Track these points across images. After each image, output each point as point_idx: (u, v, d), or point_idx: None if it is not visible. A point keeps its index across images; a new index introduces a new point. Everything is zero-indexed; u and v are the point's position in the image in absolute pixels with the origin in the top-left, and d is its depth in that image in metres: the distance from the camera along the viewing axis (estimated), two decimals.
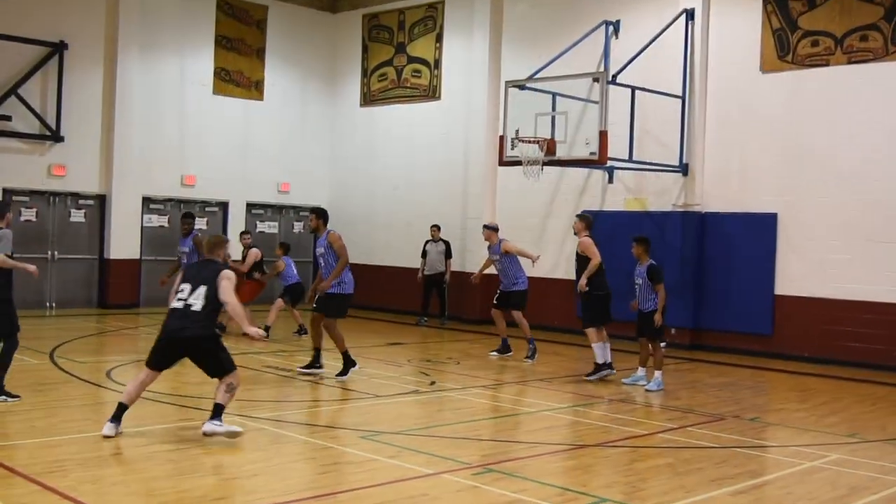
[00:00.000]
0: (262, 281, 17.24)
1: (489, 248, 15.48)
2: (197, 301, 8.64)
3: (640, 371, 12.89)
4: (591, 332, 13.08)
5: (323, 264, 12.53)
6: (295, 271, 16.97)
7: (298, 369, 12.70)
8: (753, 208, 16.66)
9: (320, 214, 12.75)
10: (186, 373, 12.61)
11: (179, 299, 8.72)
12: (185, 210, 18.81)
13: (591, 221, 13.86)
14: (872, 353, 15.15)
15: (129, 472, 7.45)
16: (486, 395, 11.99)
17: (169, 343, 8.74)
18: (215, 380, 8.83)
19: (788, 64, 16.32)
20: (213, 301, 8.69)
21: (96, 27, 20.45)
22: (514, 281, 15.00)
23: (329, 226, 12.68)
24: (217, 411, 8.61)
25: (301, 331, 16.55)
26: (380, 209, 23.10)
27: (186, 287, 8.78)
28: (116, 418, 8.57)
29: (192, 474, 7.42)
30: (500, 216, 20.16)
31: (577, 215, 13.92)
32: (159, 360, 8.78)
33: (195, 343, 8.67)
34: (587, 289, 13.20)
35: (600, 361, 13.03)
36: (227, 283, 8.75)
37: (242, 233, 18.11)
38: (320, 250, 12.57)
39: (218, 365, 8.76)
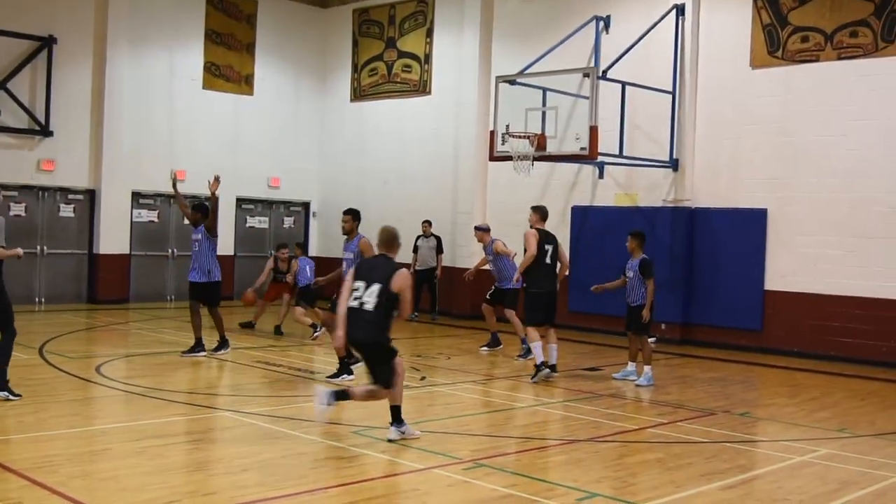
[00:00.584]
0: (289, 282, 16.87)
1: (484, 248, 15.50)
2: (370, 299, 8.41)
3: (630, 366, 12.89)
4: (529, 330, 12.62)
5: (346, 268, 11.74)
6: (309, 273, 16.30)
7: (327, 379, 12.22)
8: (743, 204, 16.69)
9: (356, 216, 12.17)
10: (177, 368, 12.60)
11: (355, 298, 8.49)
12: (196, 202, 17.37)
13: (546, 213, 13.13)
14: (862, 349, 15.19)
15: (119, 467, 7.42)
16: (476, 390, 11.99)
17: (352, 346, 8.77)
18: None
19: (778, 60, 16.35)
20: (386, 301, 8.41)
21: (85, 22, 20.37)
22: (508, 279, 14.94)
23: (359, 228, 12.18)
24: (394, 416, 8.57)
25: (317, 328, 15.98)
26: (370, 204, 22.99)
27: (361, 284, 8.54)
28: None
29: (182, 469, 7.41)
30: (491, 211, 20.18)
31: (532, 207, 13.19)
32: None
33: (368, 347, 8.63)
34: (523, 284, 12.89)
35: (538, 362, 12.38)
36: (402, 277, 8.50)
37: (280, 246, 17.52)
38: (349, 255, 11.89)
39: (384, 374, 8.52)
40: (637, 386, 12.37)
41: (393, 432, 8.52)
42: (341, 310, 8.66)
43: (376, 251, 9.00)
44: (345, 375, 11.84)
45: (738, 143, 16.83)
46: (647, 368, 12.51)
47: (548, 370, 12.44)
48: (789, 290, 16.14)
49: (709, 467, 8.11)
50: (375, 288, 8.42)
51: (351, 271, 8.89)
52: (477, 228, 15.76)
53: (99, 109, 20.49)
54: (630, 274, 12.66)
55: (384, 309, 8.40)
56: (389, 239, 8.89)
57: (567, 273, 13.17)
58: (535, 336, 12.47)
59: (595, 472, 7.91)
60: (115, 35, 20.52)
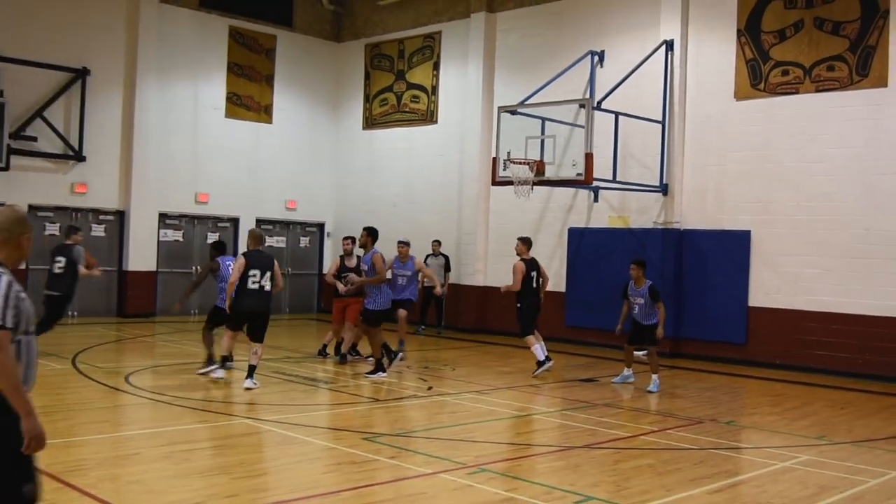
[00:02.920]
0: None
1: (403, 263, 15.62)
2: (267, 283, 11.79)
3: (627, 370, 13.39)
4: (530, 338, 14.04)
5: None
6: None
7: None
8: (728, 226, 16.68)
9: (370, 233, 13.64)
10: (200, 378, 12.56)
11: (254, 282, 11.55)
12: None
13: (530, 242, 14.29)
14: (840, 361, 15.14)
15: (145, 471, 7.42)
16: (480, 399, 11.95)
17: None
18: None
19: (761, 92, 16.37)
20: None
21: (116, 54, 20.46)
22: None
23: (373, 243, 13.49)
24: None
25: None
26: (380, 225, 22.59)
27: (258, 272, 11.60)
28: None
29: (204, 473, 7.40)
30: (492, 233, 20.18)
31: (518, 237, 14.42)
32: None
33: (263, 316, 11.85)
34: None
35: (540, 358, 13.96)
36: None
37: (346, 238, 15.74)
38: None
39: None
40: (648, 392, 12.66)
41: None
42: None
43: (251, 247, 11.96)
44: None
45: (724, 170, 16.82)
46: (655, 377, 12.90)
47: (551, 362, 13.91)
48: (772, 307, 16.10)
49: (697, 472, 8.08)
50: (268, 273, 11.67)
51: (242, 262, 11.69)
52: (400, 243, 15.90)
53: (129, 136, 20.56)
54: (640, 300, 12.92)
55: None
56: (260, 237, 12.10)
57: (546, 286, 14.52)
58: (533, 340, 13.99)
59: (591, 476, 7.88)
60: (144, 67, 20.60)
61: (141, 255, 20.79)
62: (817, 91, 15.69)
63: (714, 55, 16.99)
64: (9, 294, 4.16)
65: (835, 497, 7.49)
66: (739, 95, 16.66)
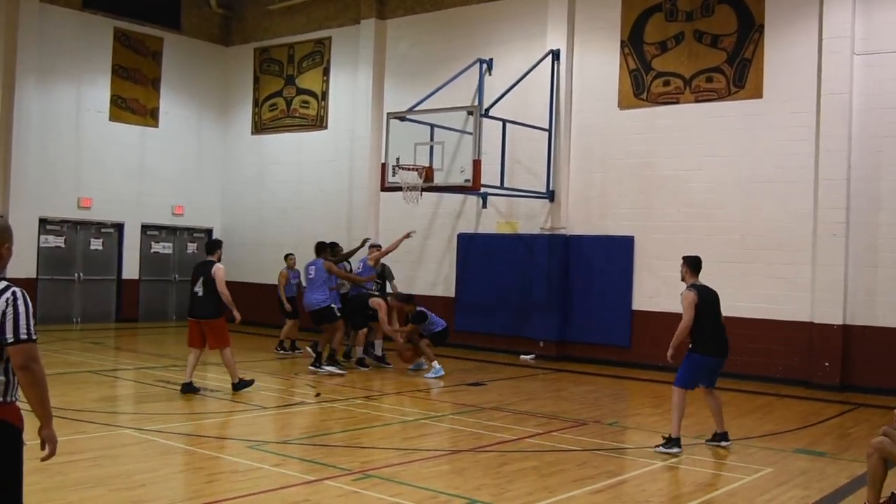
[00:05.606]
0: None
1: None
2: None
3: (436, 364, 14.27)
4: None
5: None
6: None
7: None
8: (612, 231, 17.00)
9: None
10: (80, 387, 12.17)
11: None
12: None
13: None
14: None
15: None
16: (368, 405, 11.89)
17: None
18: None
19: (643, 101, 16.76)
20: None
21: None
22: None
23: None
24: None
25: None
26: (269, 231, 22.79)
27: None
28: None
29: (81, 486, 7.14)
30: (383, 238, 20.08)
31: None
32: None
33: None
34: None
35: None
36: None
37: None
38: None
39: None
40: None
41: None
42: None
43: None
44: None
45: (608, 177, 17.16)
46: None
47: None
48: (654, 310, 16.48)
49: (580, 473, 8.19)
50: None
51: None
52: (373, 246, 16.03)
53: (6, 139, 19.78)
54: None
55: None
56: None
57: None
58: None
59: (475, 479, 7.90)
60: (23, 68, 19.86)
61: (20, 262, 19.94)
62: (697, 101, 16.15)
63: (598, 65, 17.32)
64: (29, 306, 4.41)
65: (710, 494, 7.70)
66: (623, 104, 17.02)
